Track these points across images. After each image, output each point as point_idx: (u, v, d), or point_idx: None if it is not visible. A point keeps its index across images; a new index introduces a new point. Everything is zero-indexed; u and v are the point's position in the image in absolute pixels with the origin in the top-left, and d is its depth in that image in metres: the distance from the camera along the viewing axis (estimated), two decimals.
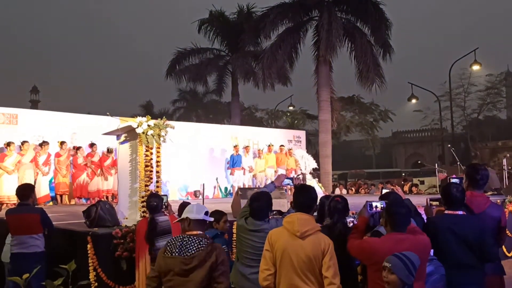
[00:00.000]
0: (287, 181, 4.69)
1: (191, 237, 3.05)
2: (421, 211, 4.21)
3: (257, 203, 3.65)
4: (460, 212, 3.53)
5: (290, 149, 14.90)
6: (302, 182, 3.76)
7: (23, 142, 10.14)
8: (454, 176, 4.77)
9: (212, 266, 2.96)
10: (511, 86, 42.00)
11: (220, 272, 2.98)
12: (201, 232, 3.11)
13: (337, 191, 17.40)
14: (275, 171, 14.27)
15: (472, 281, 3.46)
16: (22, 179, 9.68)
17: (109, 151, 11.14)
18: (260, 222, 3.58)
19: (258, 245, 3.48)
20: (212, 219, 3.39)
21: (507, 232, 8.45)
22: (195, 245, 2.99)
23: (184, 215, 3.20)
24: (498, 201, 8.77)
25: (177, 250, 3.00)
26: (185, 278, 2.95)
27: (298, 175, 11.52)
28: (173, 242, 3.07)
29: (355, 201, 10.18)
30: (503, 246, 8.23)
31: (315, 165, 11.92)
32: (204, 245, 2.98)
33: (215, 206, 6.17)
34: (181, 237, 3.09)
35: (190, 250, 2.97)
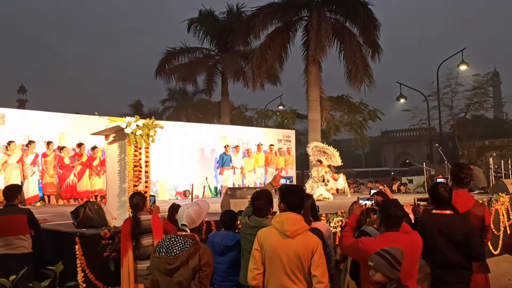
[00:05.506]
0: (283, 181, 4.71)
1: (178, 237, 3.08)
2: (407, 209, 4.25)
3: (258, 201, 3.72)
4: (448, 212, 3.58)
5: (280, 148, 14.96)
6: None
7: (9, 142, 10.02)
8: (440, 176, 4.83)
9: (195, 267, 2.99)
10: (498, 86, 42.61)
11: (203, 273, 3.01)
12: (189, 233, 3.14)
13: None
14: (265, 171, 14.36)
15: (459, 280, 3.50)
16: (9, 179, 9.58)
17: (94, 148, 11.01)
18: (261, 219, 3.64)
19: None
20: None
21: (493, 230, 8.60)
22: (180, 245, 3.02)
23: (179, 221, 3.22)
24: (485, 199, 8.90)
25: (164, 250, 3.04)
26: (170, 278, 2.98)
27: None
28: (162, 242, 3.11)
29: (345, 200, 10.34)
30: (490, 244, 8.35)
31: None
32: (188, 245, 3.01)
33: None
34: (170, 236, 3.13)
35: (175, 250, 3.00)
